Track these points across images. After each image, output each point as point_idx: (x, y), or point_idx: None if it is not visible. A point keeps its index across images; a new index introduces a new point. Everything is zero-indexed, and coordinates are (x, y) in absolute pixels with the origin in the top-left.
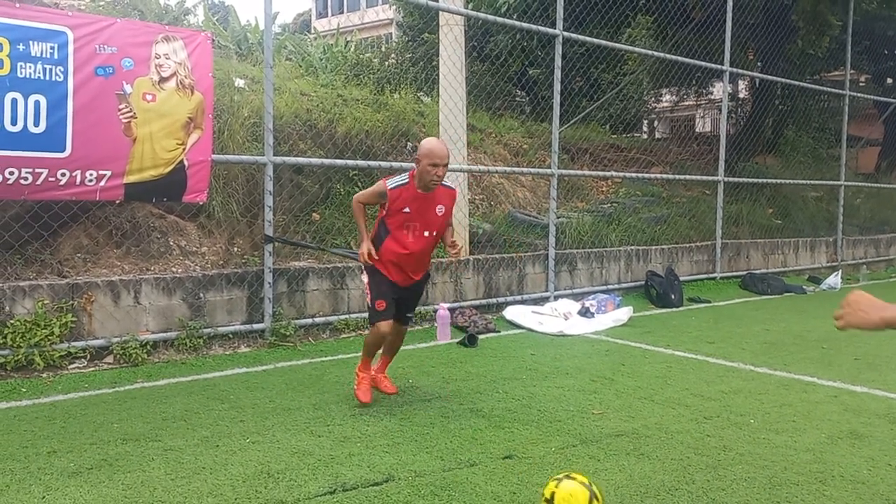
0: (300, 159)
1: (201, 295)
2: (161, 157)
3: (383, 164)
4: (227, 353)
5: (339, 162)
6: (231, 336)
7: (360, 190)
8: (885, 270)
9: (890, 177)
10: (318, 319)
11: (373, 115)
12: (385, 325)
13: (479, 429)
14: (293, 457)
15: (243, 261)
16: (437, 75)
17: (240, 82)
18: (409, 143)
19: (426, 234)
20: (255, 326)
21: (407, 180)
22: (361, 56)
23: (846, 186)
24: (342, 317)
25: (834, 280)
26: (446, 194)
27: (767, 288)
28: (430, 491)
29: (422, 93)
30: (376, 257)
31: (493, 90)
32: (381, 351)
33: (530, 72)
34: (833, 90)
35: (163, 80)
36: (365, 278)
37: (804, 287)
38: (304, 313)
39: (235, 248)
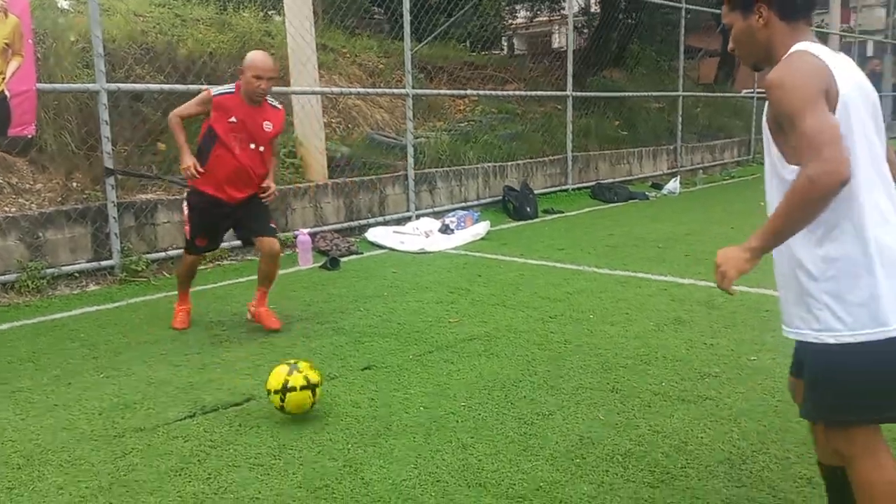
0: (137, 86)
1: (40, 234)
2: None
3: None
4: (75, 292)
5: (179, 87)
6: (77, 275)
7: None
8: (719, 174)
9: (727, 86)
10: (171, 252)
11: (216, 36)
12: (195, 259)
13: (340, 345)
14: (150, 387)
15: (84, 196)
16: None
17: (63, 2)
18: None
19: (252, 146)
20: (104, 263)
21: (233, 90)
22: None
23: (685, 97)
24: None
25: (673, 185)
26: (274, 112)
27: (614, 196)
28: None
29: (273, 11)
30: (201, 170)
31: (348, 7)
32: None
33: None
34: (670, 3)
35: None
36: (185, 209)
37: (647, 193)
38: (155, 247)
39: (74, 184)
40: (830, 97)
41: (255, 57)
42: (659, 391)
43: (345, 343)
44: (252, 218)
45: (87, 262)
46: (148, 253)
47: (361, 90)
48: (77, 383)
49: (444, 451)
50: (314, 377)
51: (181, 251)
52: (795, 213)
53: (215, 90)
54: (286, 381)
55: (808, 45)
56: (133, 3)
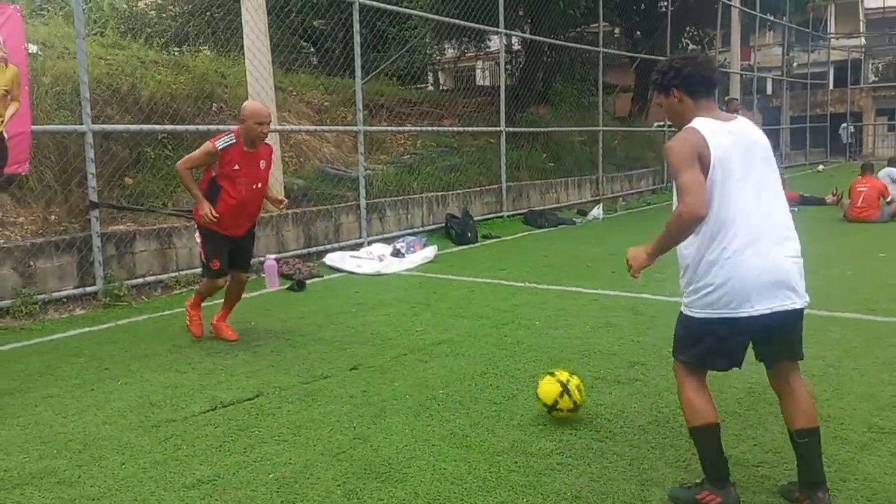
0: (118, 126)
1: (31, 263)
2: None
3: (200, 127)
4: (64, 316)
5: (157, 127)
6: (65, 300)
7: (170, 153)
8: (637, 201)
9: (641, 119)
10: (149, 278)
11: (175, 77)
12: (221, 281)
13: (325, 351)
14: (167, 389)
15: (62, 228)
16: (236, 33)
17: (32, 48)
18: (213, 105)
19: (254, 186)
20: (88, 289)
21: (234, 140)
22: (134, 8)
23: (604, 131)
24: (172, 274)
25: (597, 212)
26: (266, 150)
27: (545, 222)
28: (296, 398)
29: (222, 53)
30: (216, 216)
31: (280, 43)
32: (221, 301)
33: (315, 23)
34: (589, 47)
35: None
36: (198, 238)
37: (574, 219)
38: (134, 273)
39: (53, 217)
40: (703, 159)
41: (255, 107)
42: (599, 376)
43: (328, 350)
44: (241, 252)
45: (74, 288)
46: (128, 279)
47: (317, 128)
48: (99, 389)
49: (432, 425)
50: (580, 398)
51: (157, 276)
52: (671, 234)
53: (219, 143)
54: (556, 402)
55: (698, 121)
56: (95, 45)
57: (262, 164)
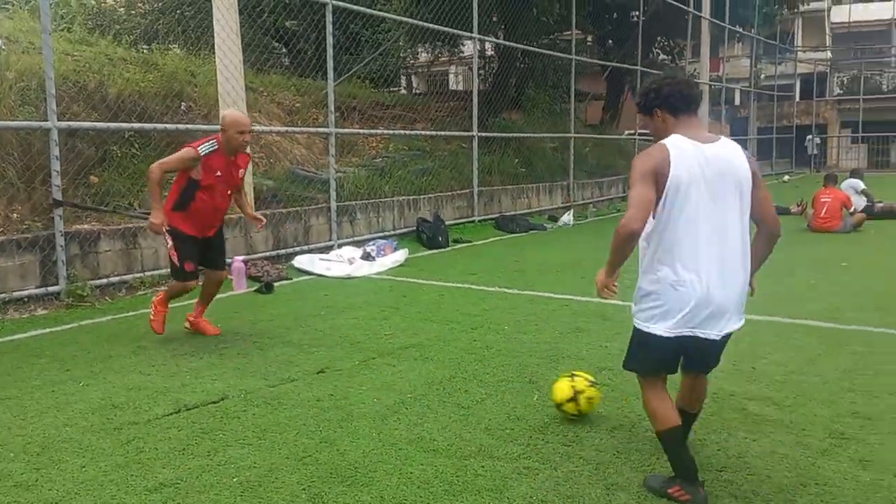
0: (84, 123)
1: None
2: None
3: (169, 126)
4: (25, 316)
5: (124, 126)
6: (27, 300)
7: (137, 152)
8: (607, 208)
9: (612, 127)
10: (113, 279)
11: (144, 75)
12: (192, 284)
13: (292, 354)
14: (130, 391)
15: (24, 226)
16: (207, 31)
17: None
18: (182, 104)
19: (228, 192)
20: (51, 289)
21: (216, 146)
22: (103, 4)
23: (576, 138)
24: (137, 275)
25: (567, 218)
26: (244, 159)
27: (516, 227)
28: (262, 402)
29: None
30: (167, 229)
31: (252, 42)
32: (196, 299)
33: (288, 24)
34: (561, 54)
35: None
36: (169, 240)
37: (545, 224)
38: (98, 274)
39: (15, 215)
40: (661, 176)
41: (235, 116)
42: None
43: (296, 353)
44: (215, 251)
45: (36, 287)
46: (92, 279)
47: (289, 129)
48: (60, 391)
49: (400, 428)
50: (585, 409)
51: (122, 277)
52: (614, 248)
53: (202, 149)
54: (562, 404)
55: (671, 139)
56: (61, 41)
57: (241, 172)
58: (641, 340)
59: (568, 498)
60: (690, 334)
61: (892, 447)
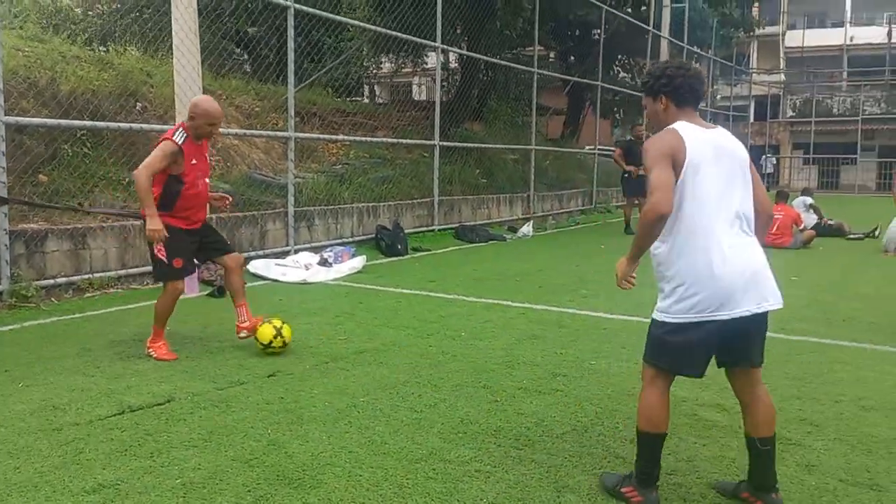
0: (34, 119)
1: None
2: None
3: (122, 125)
4: None
5: (76, 123)
6: None
7: (89, 151)
8: (566, 220)
9: (572, 142)
10: (60, 280)
11: (98, 73)
12: (181, 283)
13: (243, 358)
14: (72, 392)
15: None
16: (164, 31)
17: None
18: (138, 104)
19: (206, 180)
20: None
21: (186, 134)
22: (59, 3)
23: (536, 150)
24: (85, 276)
25: (527, 229)
26: (206, 143)
27: (476, 237)
28: (210, 404)
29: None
30: (166, 235)
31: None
32: (233, 301)
33: (249, 30)
34: (524, 67)
35: None
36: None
37: (504, 235)
38: (44, 274)
39: None
40: (678, 159)
41: (208, 106)
42: (521, 386)
43: (247, 356)
44: (212, 240)
45: None
46: (37, 280)
47: (247, 132)
48: None
49: (350, 432)
50: (289, 338)
51: (69, 278)
52: (641, 233)
53: (177, 138)
54: (271, 342)
55: (678, 125)
56: (12, 37)
57: (208, 155)
58: (663, 331)
59: (518, 500)
60: (727, 317)
61: (837, 453)
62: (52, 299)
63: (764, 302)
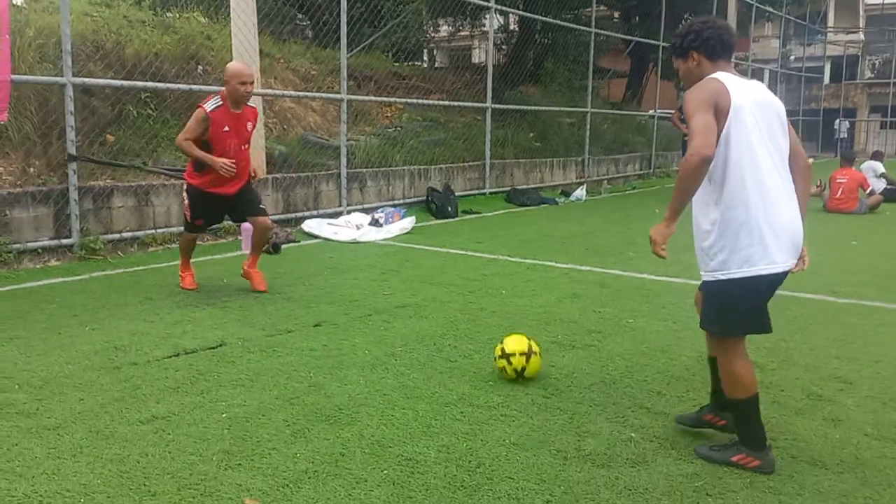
0: (99, 80)
1: (7, 212)
2: None
3: (183, 86)
4: (39, 266)
5: (139, 84)
6: (41, 251)
7: (153, 112)
8: (622, 185)
9: (633, 104)
10: (125, 234)
11: (161, 37)
12: (193, 236)
13: (292, 309)
14: (133, 336)
15: (41, 181)
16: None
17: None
18: (199, 67)
19: (243, 147)
20: (64, 241)
21: (221, 102)
22: None
23: (593, 113)
24: (149, 232)
25: (580, 193)
26: (251, 112)
27: (527, 200)
28: (258, 349)
29: (208, 16)
30: (232, 167)
31: (274, 13)
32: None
33: None
34: (581, 27)
35: None
36: (186, 198)
37: (556, 199)
38: (111, 229)
39: (32, 169)
40: (721, 107)
41: (238, 67)
42: (555, 341)
43: (295, 307)
44: (245, 203)
45: (50, 239)
46: (104, 234)
47: (300, 93)
48: (66, 333)
49: (386, 377)
50: (520, 366)
51: (134, 233)
52: (682, 181)
53: (208, 106)
54: (530, 345)
55: (718, 74)
56: (81, 2)
57: (249, 125)
58: (725, 291)
59: (540, 442)
60: (781, 270)
61: (867, 409)
62: (119, 252)
63: (789, 263)
